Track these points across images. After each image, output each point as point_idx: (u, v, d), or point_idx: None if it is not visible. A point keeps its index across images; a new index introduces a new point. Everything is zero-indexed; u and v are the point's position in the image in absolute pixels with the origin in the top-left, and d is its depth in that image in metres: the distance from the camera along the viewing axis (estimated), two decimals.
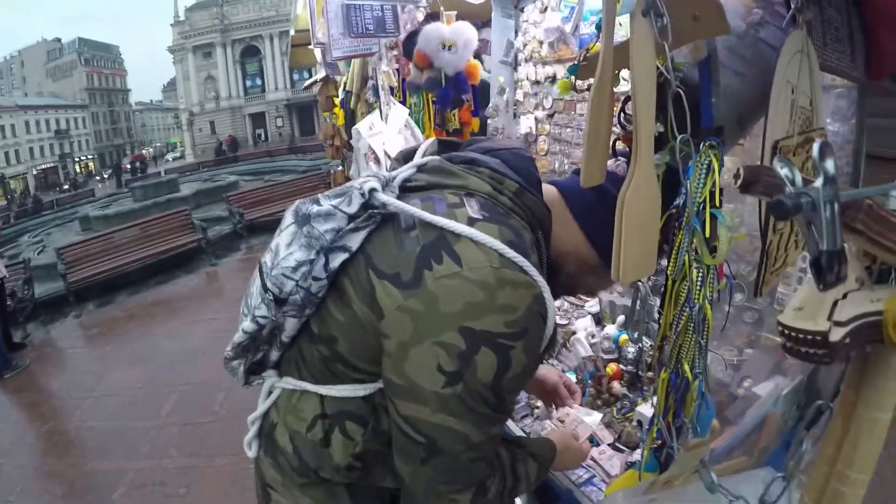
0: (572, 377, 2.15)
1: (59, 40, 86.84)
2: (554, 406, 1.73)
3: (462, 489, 1.07)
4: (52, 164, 70.84)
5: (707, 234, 0.92)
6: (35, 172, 67.16)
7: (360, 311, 1.01)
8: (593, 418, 1.81)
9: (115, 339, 7.17)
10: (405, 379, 0.98)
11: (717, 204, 0.93)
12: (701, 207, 0.92)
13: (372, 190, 1.05)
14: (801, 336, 0.64)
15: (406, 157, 1.27)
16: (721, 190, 0.93)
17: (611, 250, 0.94)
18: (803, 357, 0.65)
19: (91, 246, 9.45)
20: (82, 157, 78.14)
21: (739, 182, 0.59)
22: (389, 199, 1.03)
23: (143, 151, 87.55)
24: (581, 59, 1.19)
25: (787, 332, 0.66)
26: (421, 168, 1.18)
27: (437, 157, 1.19)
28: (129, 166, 54.66)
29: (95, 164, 78.85)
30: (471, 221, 0.99)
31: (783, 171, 0.54)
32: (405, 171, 1.17)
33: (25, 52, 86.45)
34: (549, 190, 1.19)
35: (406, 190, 1.13)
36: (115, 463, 4.34)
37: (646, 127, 0.85)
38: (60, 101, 76.70)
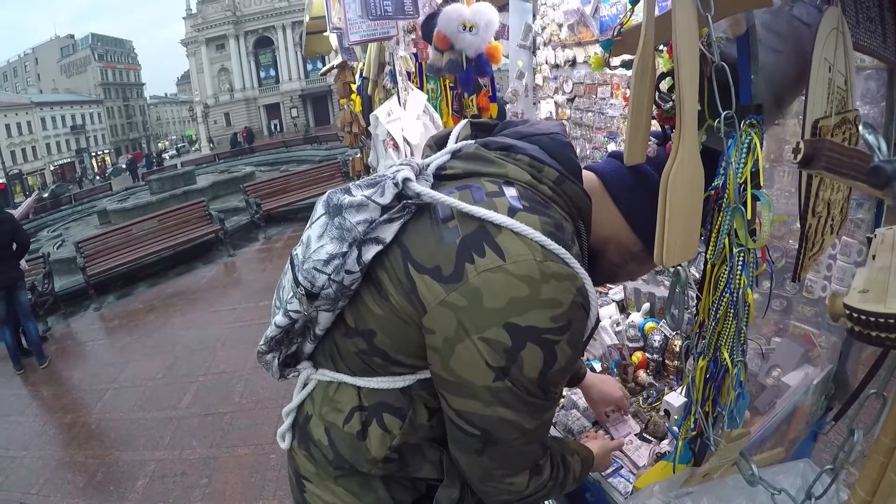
0: (597, 365, 2.12)
1: (72, 37, 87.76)
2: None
3: (518, 472, 1.07)
4: (69, 160, 71.67)
5: (749, 216, 0.88)
6: (52, 168, 67.97)
7: (399, 304, 0.99)
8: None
9: (135, 330, 7.22)
10: (453, 374, 0.96)
11: (759, 184, 0.89)
12: (742, 188, 0.88)
13: (406, 180, 1.01)
14: (871, 319, 0.60)
15: (438, 142, 1.24)
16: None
17: (653, 235, 0.91)
18: (874, 342, 0.61)
19: (110, 239, 9.49)
20: (99, 152, 78.97)
21: (799, 157, 0.55)
22: (424, 189, 1.00)
23: (160, 145, 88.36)
24: (615, 34, 1.14)
25: (855, 315, 0.62)
26: (455, 154, 1.15)
27: (472, 143, 1.16)
28: (124, 166, 53.34)
29: (112, 158, 79.56)
30: (511, 211, 0.95)
31: (870, 138, 0.50)
32: (439, 157, 1.13)
33: (39, 50, 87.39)
34: (586, 176, 1.15)
35: (441, 178, 1.10)
36: (136, 454, 4.37)
37: (690, 102, 0.81)
38: (75, 97, 77.54)
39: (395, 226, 1.01)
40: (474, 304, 0.91)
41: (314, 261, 1.00)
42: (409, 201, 1.01)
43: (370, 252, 1.00)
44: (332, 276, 1.00)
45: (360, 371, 1.11)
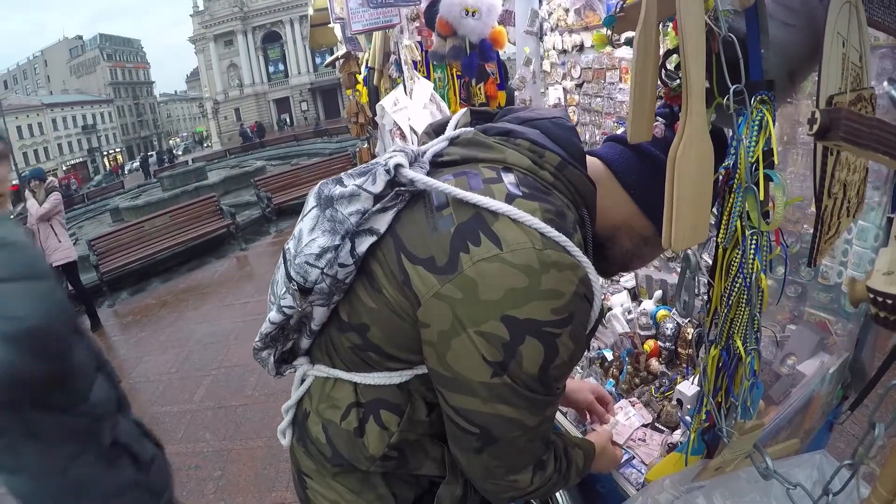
0: (608, 354, 2.09)
1: (80, 37, 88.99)
2: (589, 419, 1.69)
3: (521, 469, 1.03)
4: (81, 159, 72.49)
5: (762, 197, 0.84)
6: (65, 168, 68.66)
7: (392, 297, 0.95)
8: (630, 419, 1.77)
9: (148, 325, 7.26)
10: (449, 370, 0.92)
11: (773, 164, 0.85)
12: (754, 168, 0.84)
13: (398, 166, 0.97)
14: None
15: (437, 130, 1.19)
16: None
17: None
18: None
19: (122, 236, 9.55)
20: (110, 151, 79.75)
21: (815, 128, 0.51)
22: (417, 176, 0.96)
23: (171, 142, 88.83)
24: (618, 10, 1.10)
25: (880, 299, 0.57)
26: (454, 141, 1.10)
27: (470, 129, 1.11)
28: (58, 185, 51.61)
29: (124, 156, 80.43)
30: (509, 198, 0.91)
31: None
32: (436, 144, 1.09)
33: (48, 52, 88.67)
34: (591, 162, 1.10)
35: (438, 165, 1.06)
36: None
37: (696, 75, 0.77)
38: (85, 97, 78.62)
39: (389, 215, 0.97)
40: (470, 296, 0.86)
41: (306, 255, 0.97)
42: (403, 188, 0.97)
43: (364, 244, 0.96)
44: (324, 270, 0.96)
45: (355, 367, 1.07)
